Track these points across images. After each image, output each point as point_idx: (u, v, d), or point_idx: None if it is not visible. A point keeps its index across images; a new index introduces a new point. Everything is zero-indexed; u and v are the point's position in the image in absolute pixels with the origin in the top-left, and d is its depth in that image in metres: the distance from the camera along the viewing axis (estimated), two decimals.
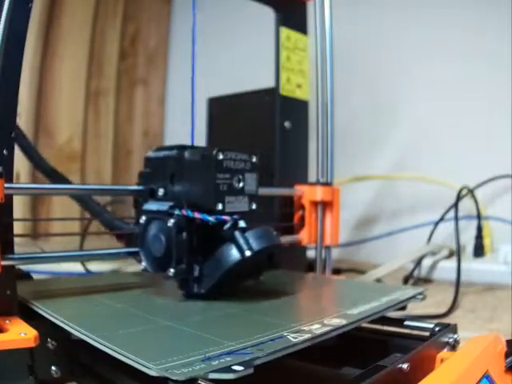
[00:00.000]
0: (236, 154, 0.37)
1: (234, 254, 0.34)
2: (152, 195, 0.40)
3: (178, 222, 0.35)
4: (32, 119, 1.12)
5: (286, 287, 0.42)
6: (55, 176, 0.55)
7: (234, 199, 0.37)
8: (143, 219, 0.38)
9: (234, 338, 0.26)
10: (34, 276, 0.45)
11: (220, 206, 0.36)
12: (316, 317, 0.31)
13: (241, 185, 0.38)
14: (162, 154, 0.40)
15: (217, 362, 0.23)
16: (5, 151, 0.33)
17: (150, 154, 0.41)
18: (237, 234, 0.35)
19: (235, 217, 0.36)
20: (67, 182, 0.56)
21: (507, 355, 0.30)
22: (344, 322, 0.30)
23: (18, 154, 0.34)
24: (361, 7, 1.05)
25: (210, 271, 0.35)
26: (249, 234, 0.35)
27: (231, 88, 0.75)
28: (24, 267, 0.44)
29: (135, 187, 0.42)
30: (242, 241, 0.34)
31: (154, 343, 0.27)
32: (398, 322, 0.38)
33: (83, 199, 0.56)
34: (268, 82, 0.65)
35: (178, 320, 0.31)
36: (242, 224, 0.36)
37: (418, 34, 1.00)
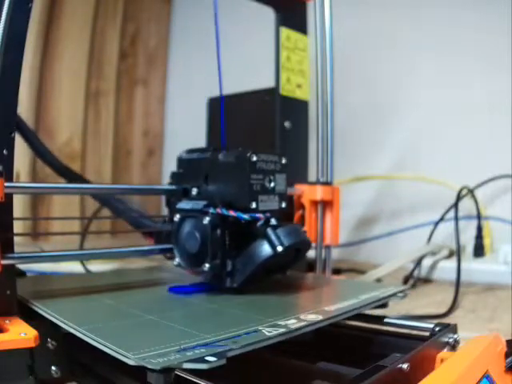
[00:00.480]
0: (267, 155, 0.40)
1: (267, 249, 0.37)
2: (185, 195, 0.42)
3: (212, 220, 0.37)
4: (32, 119, 1.12)
5: (271, 284, 0.42)
6: (72, 176, 0.56)
7: (266, 198, 0.40)
8: (177, 217, 0.40)
9: (211, 331, 0.27)
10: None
11: (254, 205, 0.39)
12: (293, 312, 0.32)
13: (272, 184, 0.40)
14: (195, 155, 0.42)
15: (191, 352, 0.24)
16: (5, 151, 0.33)
17: (183, 155, 0.43)
18: (269, 230, 0.37)
19: (267, 215, 0.38)
20: (86, 181, 0.57)
21: (507, 355, 0.30)
22: (320, 317, 0.31)
23: (18, 153, 0.34)
24: (361, 7, 1.05)
25: (242, 266, 0.38)
26: (280, 231, 0.37)
27: (231, 88, 0.75)
28: (24, 267, 0.44)
29: (169, 187, 0.44)
30: (273, 237, 0.37)
31: (134, 335, 0.28)
32: (398, 322, 0.38)
33: (105, 199, 0.56)
34: (268, 82, 0.65)
35: (160, 314, 0.32)
36: (273, 221, 0.38)
37: (419, 33, 1.00)
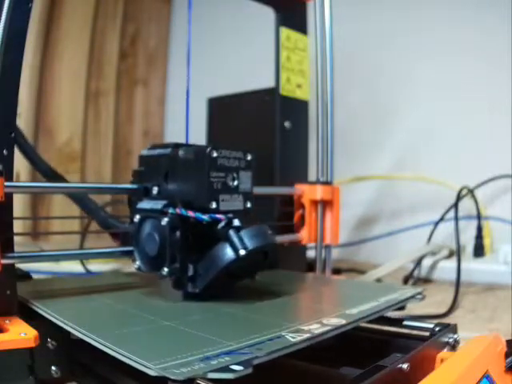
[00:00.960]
0: (230, 151, 0.37)
1: (229, 253, 0.34)
2: (146, 194, 0.39)
3: (171, 221, 0.35)
4: (32, 119, 1.12)
5: (285, 287, 0.42)
6: (52, 175, 0.55)
7: (229, 197, 0.37)
8: (137, 218, 0.37)
9: (233, 337, 0.26)
10: (34, 276, 0.45)
11: (214, 205, 0.36)
12: (315, 316, 0.31)
13: (235, 183, 0.37)
14: (156, 152, 0.40)
15: (216, 361, 0.23)
16: (5, 151, 0.33)
17: (144, 151, 0.41)
18: (231, 232, 0.35)
19: (229, 215, 0.36)
20: (64, 180, 0.56)
21: (507, 355, 0.30)
22: (343, 321, 0.30)
23: (18, 153, 0.34)
24: (361, 7, 1.05)
25: (204, 270, 0.35)
26: (243, 233, 0.34)
27: (231, 88, 0.75)
28: (24, 267, 0.44)
29: (129, 186, 0.42)
30: (236, 240, 0.34)
31: (153, 343, 0.27)
32: (398, 322, 0.38)
33: (79, 198, 0.55)
34: (268, 82, 0.65)
35: (177, 320, 0.31)
36: (236, 223, 0.35)
37: (419, 33, 1.00)
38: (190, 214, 0.35)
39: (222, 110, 0.77)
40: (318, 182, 0.56)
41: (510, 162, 0.86)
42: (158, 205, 0.37)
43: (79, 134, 1.23)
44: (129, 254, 0.40)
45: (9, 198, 0.33)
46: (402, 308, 0.38)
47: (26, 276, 0.44)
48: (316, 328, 0.28)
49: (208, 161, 0.36)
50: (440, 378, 0.26)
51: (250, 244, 0.34)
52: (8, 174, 0.33)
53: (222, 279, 0.35)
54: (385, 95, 1.05)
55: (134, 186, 0.41)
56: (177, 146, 0.39)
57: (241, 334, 0.27)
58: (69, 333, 0.29)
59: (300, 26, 0.64)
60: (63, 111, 1.19)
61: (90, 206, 0.54)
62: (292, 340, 0.26)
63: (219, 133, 0.76)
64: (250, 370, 0.22)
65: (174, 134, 1.45)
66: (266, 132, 0.64)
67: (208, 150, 0.36)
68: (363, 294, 0.40)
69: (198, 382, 0.23)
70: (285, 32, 0.62)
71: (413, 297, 0.38)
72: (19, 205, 1.05)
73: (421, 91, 1.00)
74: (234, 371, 0.22)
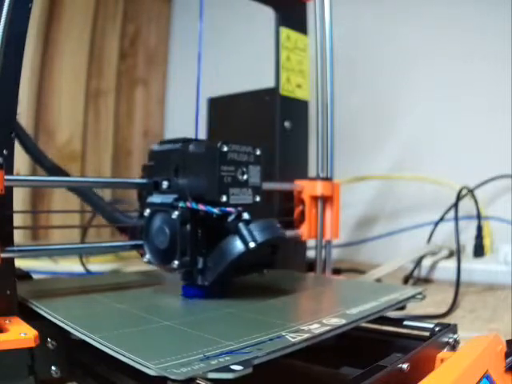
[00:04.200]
0: (240, 146, 0.38)
1: (238, 245, 0.35)
2: (156, 188, 0.40)
3: (182, 214, 0.36)
4: (32, 119, 1.12)
5: (285, 287, 0.42)
6: (56, 171, 0.56)
7: (238, 191, 0.37)
8: (147, 212, 0.38)
9: (233, 337, 0.26)
10: (34, 276, 0.45)
11: (224, 198, 0.36)
12: (315, 316, 0.31)
13: (245, 177, 0.38)
14: (166, 147, 0.40)
15: (216, 361, 0.23)
16: (5, 151, 0.33)
17: (155, 146, 0.41)
18: (241, 225, 0.35)
19: (239, 209, 0.36)
20: (68, 175, 0.57)
21: (507, 355, 0.30)
22: (343, 321, 0.30)
23: (17, 152, 0.34)
24: (361, 7, 1.05)
25: (214, 263, 0.36)
26: (253, 226, 0.35)
27: (231, 88, 0.75)
28: (24, 267, 0.44)
29: (139, 180, 0.42)
30: (245, 232, 0.35)
31: (153, 343, 0.27)
32: (398, 322, 0.38)
33: (84, 192, 0.55)
34: (268, 82, 0.65)
35: (177, 319, 0.31)
36: (245, 216, 0.36)
37: (419, 33, 1.00)
38: (201, 207, 0.36)
39: (222, 109, 0.77)
40: (317, 177, 0.56)
41: (510, 162, 0.86)
42: (169, 199, 0.37)
43: (79, 134, 1.23)
44: (137, 247, 0.41)
45: (9, 191, 0.33)
46: (402, 308, 0.38)
47: (26, 276, 0.44)
48: (316, 328, 0.28)
49: (218, 155, 0.36)
50: (440, 378, 0.26)
51: (259, 237, 0.35)
52: (8, 172, 0.33)
53: (231, 272, 0.36)
54: (385, 95, 1.05)
55: (144, 181, 0.41)
56: (186, 141, 0.39)
57: (241, 333, 0.27)
58: (69, 333, 0.29)
59: (300, 26, 0.64)
60: (63, 111, 1.19)
61: (95, 200, 0.54)
62: (292, 340, 0.26)
63: (219, 133, 0.76)
64: (250, 370, 0.22)
65: (173, 133, 1.44)
66: (266, 132, 0.64)
67: (219, 144, 0.36)
68: (363, 294, 0.40)
69: (198, 381, 0.23)
70: (285, 32, 0.62)
71: (413, 297, 0.38)
72: (19, 203, 1.05)
73: (421, 91, 1.00)
74: (234, 371, 0.22)
